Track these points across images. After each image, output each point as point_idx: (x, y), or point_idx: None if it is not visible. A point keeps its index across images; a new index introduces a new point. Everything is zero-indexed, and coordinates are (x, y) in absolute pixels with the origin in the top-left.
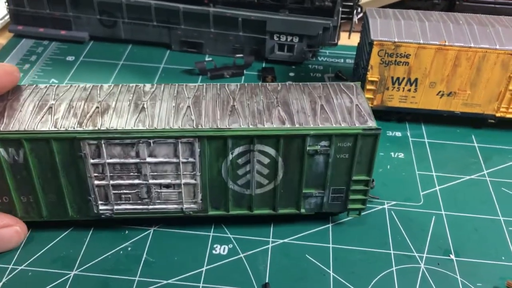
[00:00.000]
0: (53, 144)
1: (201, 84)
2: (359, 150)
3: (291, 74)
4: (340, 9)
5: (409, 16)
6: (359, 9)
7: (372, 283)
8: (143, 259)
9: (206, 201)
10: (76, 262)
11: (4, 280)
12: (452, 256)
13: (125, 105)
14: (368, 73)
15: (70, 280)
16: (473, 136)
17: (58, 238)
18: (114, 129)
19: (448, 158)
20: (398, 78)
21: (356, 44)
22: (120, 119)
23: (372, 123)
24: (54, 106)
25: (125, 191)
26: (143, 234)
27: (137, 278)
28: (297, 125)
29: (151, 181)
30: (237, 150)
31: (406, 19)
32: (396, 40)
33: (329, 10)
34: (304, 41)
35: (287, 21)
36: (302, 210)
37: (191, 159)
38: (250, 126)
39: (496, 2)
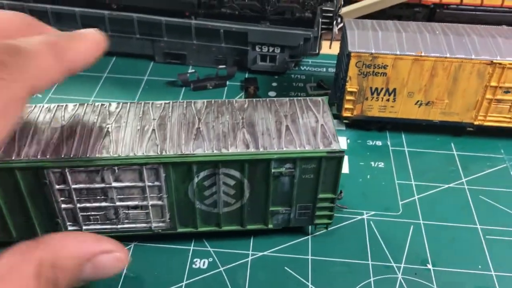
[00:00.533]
0: (17, 173)
1: (167, 102)
2: (324, 171)
3: (274, 84)
4: (320, 20)
5: (387, 27)
6: (339, 19)
7: None
8: (123, 274)
9: (174, 220)
10: None
11: None
12: (429, 266)
13: (89, 129)
14: (347, 84)
15: None
16: (452, 144)
17: None
18: (78, 158)
19: (427, 167)
20: (376, 89)
21: (337, 53)
22: (83, 146)
23: (336, 145)
24: (17, 131)
25: (93, 213)
26: None
27: None
28: (261, 149)
29: (118, 203)
30: (202, 174)
31: (384, 30)
32: (373, 51)
33: (309, 21)
34: (286, 52)
35: (268, 32)
36: (270, 226)
37: (157, 183)
38: (215, 151)
39: (476, 9)
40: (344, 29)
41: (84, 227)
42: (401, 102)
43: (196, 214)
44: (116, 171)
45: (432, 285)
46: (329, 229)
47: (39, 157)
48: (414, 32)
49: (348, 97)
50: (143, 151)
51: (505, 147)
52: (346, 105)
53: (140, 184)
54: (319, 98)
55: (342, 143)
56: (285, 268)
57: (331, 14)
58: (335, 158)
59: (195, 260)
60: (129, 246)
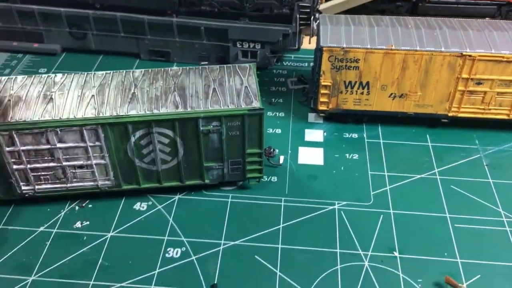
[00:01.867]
0: None
1: (108, 72)
2: (248, 127)
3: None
4: (298, 16)
5: (360, 22)
6: (317, 15)
7: (316, 281)
8: (99, 263)
9: (119, 178)
10: (35, 268)
11: None
12: (396, 253)
13: (34, 97)
14: (321, 78)
15: (28, 285)
16: (427, 136)
17: (20, 245)
18: (23, 121)
19: (401, 158)
20: (350, 82)
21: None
22: (28, 111)
23: (256, 104)
24: None
25: (43, 173)
26: (100, 240)
27: (91, 282)
28: (189, 109)
29: (64, 163)
30: (138, 133)
31: (357, 25)
32: (344, 46)
33: (287, 17)
34: (267, 47)
35: (248, 29)
36: (207, 181)
37: (97, 143)
38: (147, 112)
39: (458, 2)
40: (318, 25)
41: (36, 187)
42: (375, 95)
43: (137, 172)
44: (59, 132)
45: (398, 271)
46: (300, 219)
47: None
48: (386, 26)
49: (322, 91)
50: (82, 114)
51: (480, 138)
52: (322, 99)
53: (82, 144)
54: (247, 64)
55: (319, 136)
56: (255, 256)
57: (308, 10)
58: (256, 115)
59: (168, 249)
60: (105, 237)
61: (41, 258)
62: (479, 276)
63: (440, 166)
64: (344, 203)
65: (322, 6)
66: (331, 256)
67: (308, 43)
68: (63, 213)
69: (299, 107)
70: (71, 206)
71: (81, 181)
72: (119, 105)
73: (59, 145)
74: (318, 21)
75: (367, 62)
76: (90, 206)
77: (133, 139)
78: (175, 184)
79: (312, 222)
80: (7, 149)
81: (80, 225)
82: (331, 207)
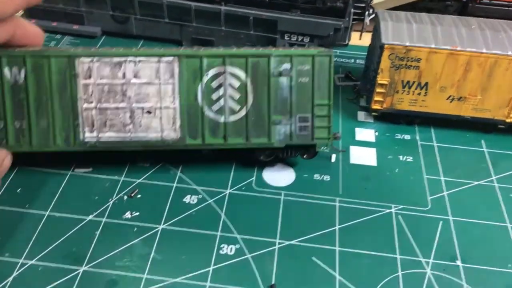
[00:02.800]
0: (52, 62)
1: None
2: (317, 73)
3: None
4: (352, 10)
5: (421, 19)
6: (370, 10)
7: (378, 287)
8: (151, 257)
9: (184, 129)
10: (85, 258)
11: (14, 274)
12: (458, 262)
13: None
14: (378, 76)
15: (79, 276)
16: (482, 141)
17: (69, 233)
18: (105, 50)
19: (457, 163)
20: (408, 82)
21: (367, 45)
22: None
23: (323, 49)
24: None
25: (110, 117)
26: (151, 232)
27: (145, 276)
28: (261, 49)
29: (134, 104)
30: (211, 72)
31: (418, 22)
32: (407, 44)
33: (341, 10)
34: (315, 41)
35: (298, 21)
36: (273, 141)
37: (170, 81)
38: (222, 49)
39: (509, 5)
40: (378, 20)
41: (100, 134)
42: (433, 96)
43: (204, 123)
44: (137, 63)
45: (461, 281)
46: (356, 221)
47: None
48: (449, 26)
49: (378, 90)
50: (162, 49)
51: None
52: (376, 98)
53: (156, 81)
54: None
55: (370, 135)
56: (313, 258)
57: (363, 5)
58: (326, 56)
59: (222, 245)
60: (156, 229)
61: (91, 248)
62: None
63: (498, 174)
64: (401, 207)
65: (374, 1)
66: (392, 262)
67: (358, 39)
68: (111, 202)
69: (348, 104)
70: (119, 196)
71: (145, 132)
72: (195, 48)
73: (133, 80)
74: (371, 16)
75: (429, 62)
76: (138, 196)
77: (205, 79)
78: (240, 143)
79: (369, 225)
80: (83, 81)
81: (129, 216)
82: (387, 210)
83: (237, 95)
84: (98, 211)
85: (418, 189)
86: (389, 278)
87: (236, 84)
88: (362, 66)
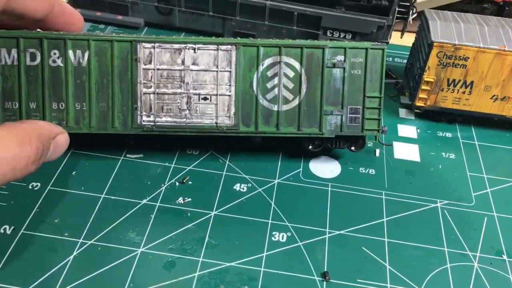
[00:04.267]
0: (115, 46)
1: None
2: (370, 65)
3: None
4: (397, 8)
5: (468, 19)
6: (414, 10)
7: (428, 278)
8: (205, 241)
9: (238, 116)
10: (142, 240)
11: (75, 253)
12: (505, 257)
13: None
14: (424, 73)
15: (138, 257)
16: None
17: (125, 216)
18: (166, 37)
19: (499, 162)
20: (454, 80)
21: (406, 44)
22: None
23: (377, 43)
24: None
25: (167, 102)
26: (204, 217)
27: (201, 259)
28: (316, 42)
29: (191, 91)
30: (266, 62)
31: (465, 22)
32: (456, 42)
33: (385, 9)
34: (357, 39)
35: (342, 18)
36: (324, 131)
37: (227, 69)
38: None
39: None
40: (425, 19)
41: (157, 119)
42: (477, 95)
43: (258, 110)
44: (196, 50)
45: (509, 275)
46: (403, 214)
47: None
48: (496, 27)
49: (423, 87)
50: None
51: None
52: (421, 95)
53: (214, 69)
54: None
55: (412, 132)
56: (363, 248)
57: (407, 4)
58: (379, 49)
59: (274, 233)
60: (209, 215)
61: (147, 230)
62: None
63: None
64: (446, 202)
65: (418, 0)
66: (440, 254)
67: (399, 38)
68: (163, 187)
69: (389, 101)
70: (171, 182)
71: (201, 118)
72: (252, 39)
73: (192, 67)
74: (413, 16)
75: (476, 61)
76: (190, 183)
77: (261, 68)
78: (292, 131)
79: (415, 218)
80: (144, 66)
81: (182, 201)
82: (433, 205)
83: (291, 85)
84: (152, 195)
85: (462, 185)
86: (438, 269)
87: (291, 74)
88: (401, 64)
